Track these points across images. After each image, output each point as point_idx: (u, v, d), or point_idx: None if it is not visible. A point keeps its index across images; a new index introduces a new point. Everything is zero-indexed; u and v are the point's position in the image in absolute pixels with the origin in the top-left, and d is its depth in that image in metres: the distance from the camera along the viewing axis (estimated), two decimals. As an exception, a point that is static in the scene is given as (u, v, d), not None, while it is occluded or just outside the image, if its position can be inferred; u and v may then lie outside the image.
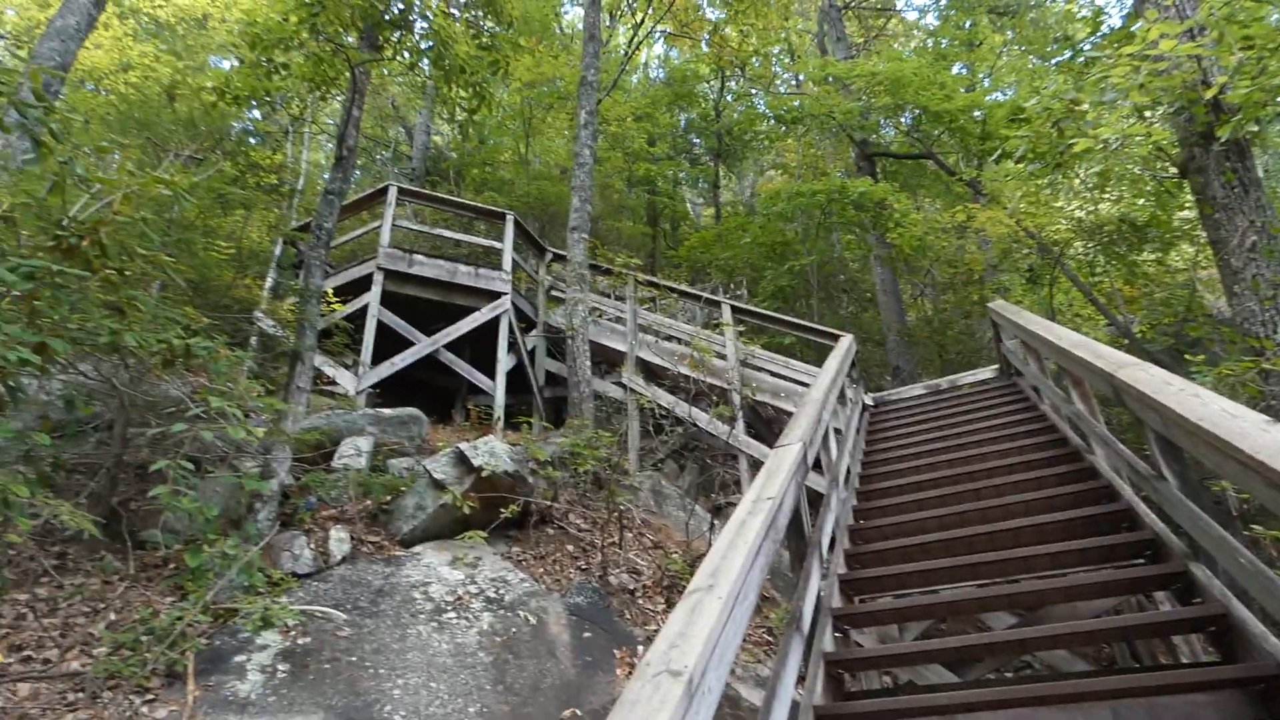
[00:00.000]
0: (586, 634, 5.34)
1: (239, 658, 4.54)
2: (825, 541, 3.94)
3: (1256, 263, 6.70)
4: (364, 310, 9.48)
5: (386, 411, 8.09)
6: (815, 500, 5.25)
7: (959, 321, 15.01)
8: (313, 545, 5.87)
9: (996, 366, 9.47)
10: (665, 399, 9.00)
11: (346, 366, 9.52)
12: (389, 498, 6.72)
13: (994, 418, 6.55)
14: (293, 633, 4.85)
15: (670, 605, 5.94)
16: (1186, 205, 11.28)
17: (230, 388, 4.44)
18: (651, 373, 9.78)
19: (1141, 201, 11.34)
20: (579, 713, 4.41)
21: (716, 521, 8.35)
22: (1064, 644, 3.04)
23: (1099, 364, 3.75)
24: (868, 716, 2.83)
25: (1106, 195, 12.42)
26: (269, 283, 10.15)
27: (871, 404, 9.06)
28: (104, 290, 3.17)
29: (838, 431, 6.12)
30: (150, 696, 4.27)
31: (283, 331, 7.78)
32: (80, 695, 4.21)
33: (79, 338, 2.99)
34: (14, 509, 2.70)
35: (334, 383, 9.22)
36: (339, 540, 5.98)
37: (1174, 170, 9.40)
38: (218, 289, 7.21)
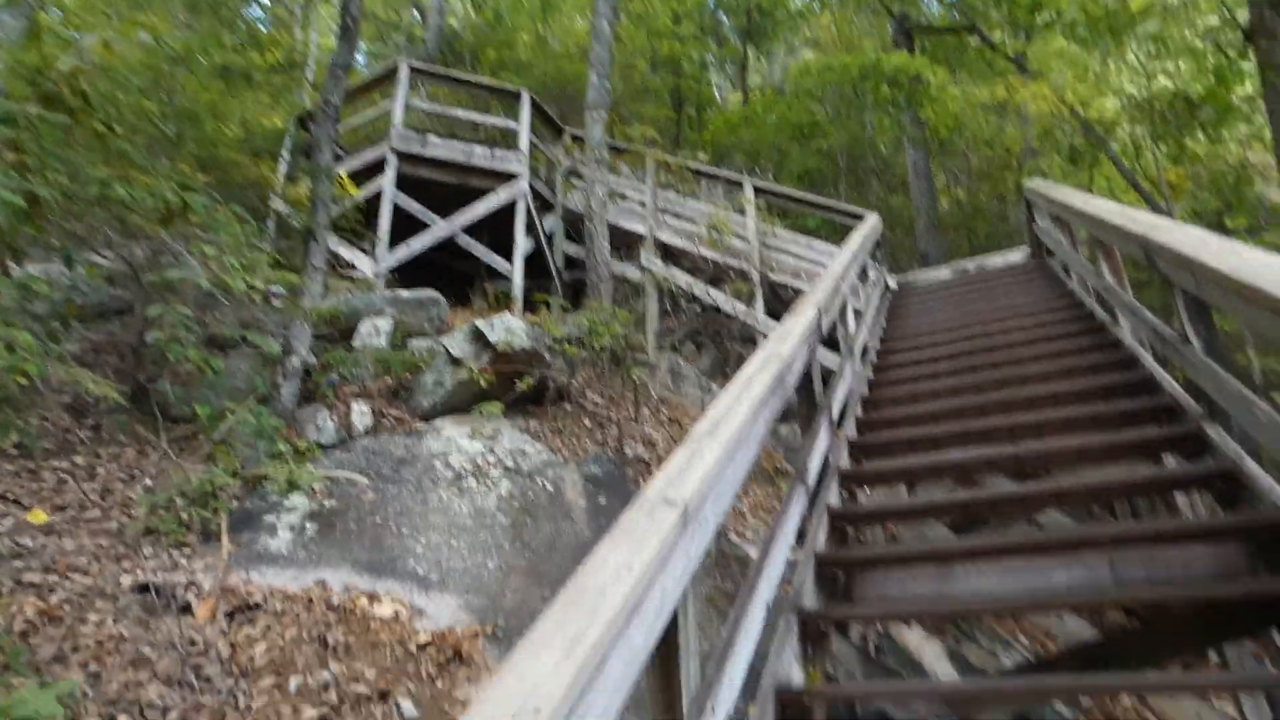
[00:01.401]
0: (602, 500, 5.50)
1: (269, 518, 4.74)
2: (836, 407, 3.93)
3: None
4: (379, 195, 9.35)
5: (404, 293, 8.11)
6: (831, 378, 5.21)
7: (991, 205, 14.50)
8: (335, 418, 6.03)
9: (1027, 249, 9.19)
10: (684, 279, 8.90)
11: (364, 251, 9.49)
12: (408, 375, 6.83)
13: (1019, 295, 6.40)
14: (319, 496, 5.04)
15: (684, 477, 6.07)
16: (1249, 78, 10.47)
17: (241, 260, 4.43)
18: (670, 255, 9.63)
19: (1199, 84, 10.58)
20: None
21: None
22: (1070, 501, 3.04)
23: (1133, 227, 3.59)
24: (868, 560, 2.88)
25: (1162, 68, 11.62)
26: (283, 167, 10.01)
27: (895, 287, 8.89)
28: (100, 150, 3.10)
29: (857, 313, 6.02)
30: (188, 550, 4.50)
31: (298, 215, 7.72)
32: (124, 548, 4.45)
33: (70, 190, 2.95)
34: (16, 356, 2.75)
35: (352, 266, 9.22)
36: (361, 413, 6.13)
37: (1239, 38, 8.71)
38: (224, 165, 7.10)
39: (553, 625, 1.39)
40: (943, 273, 9.47)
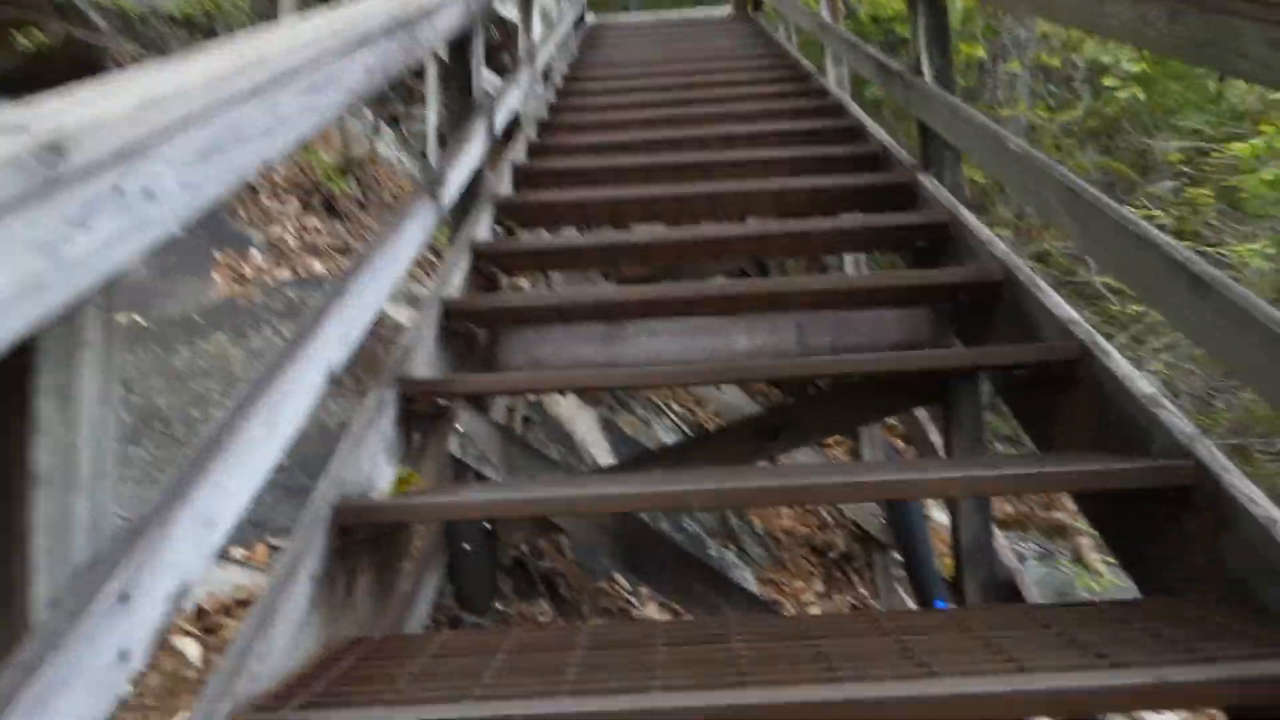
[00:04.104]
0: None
1: None
2: (501, 117, 2.92)
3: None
4: None
5: None
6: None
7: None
8: None
9: (729, 8, 8.62)
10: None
11: None
12: None
13: (724, 40, 5.82)
14: None
15: (307, 208, 4.70)
16: None
17: None
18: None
19: None
20: (140, 319, 3.24)
21: (394, 130, 6.94)
22: (772, 249, 2.53)
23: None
24: (510, 311, 2.09)
25: None
26: None
27: (593, 23, 7.81)
28: None
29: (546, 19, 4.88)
30: None
31: None
32: None
33: None
34: None
35: None
36: None
37: None
38: None
39: None
40: (645, 17, 8.61)
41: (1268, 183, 4.07)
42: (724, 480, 1.22)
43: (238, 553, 2.24)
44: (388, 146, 6.57)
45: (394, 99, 7.42)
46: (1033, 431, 1.76)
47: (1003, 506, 4.46)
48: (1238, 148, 4.41)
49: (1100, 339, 1.57)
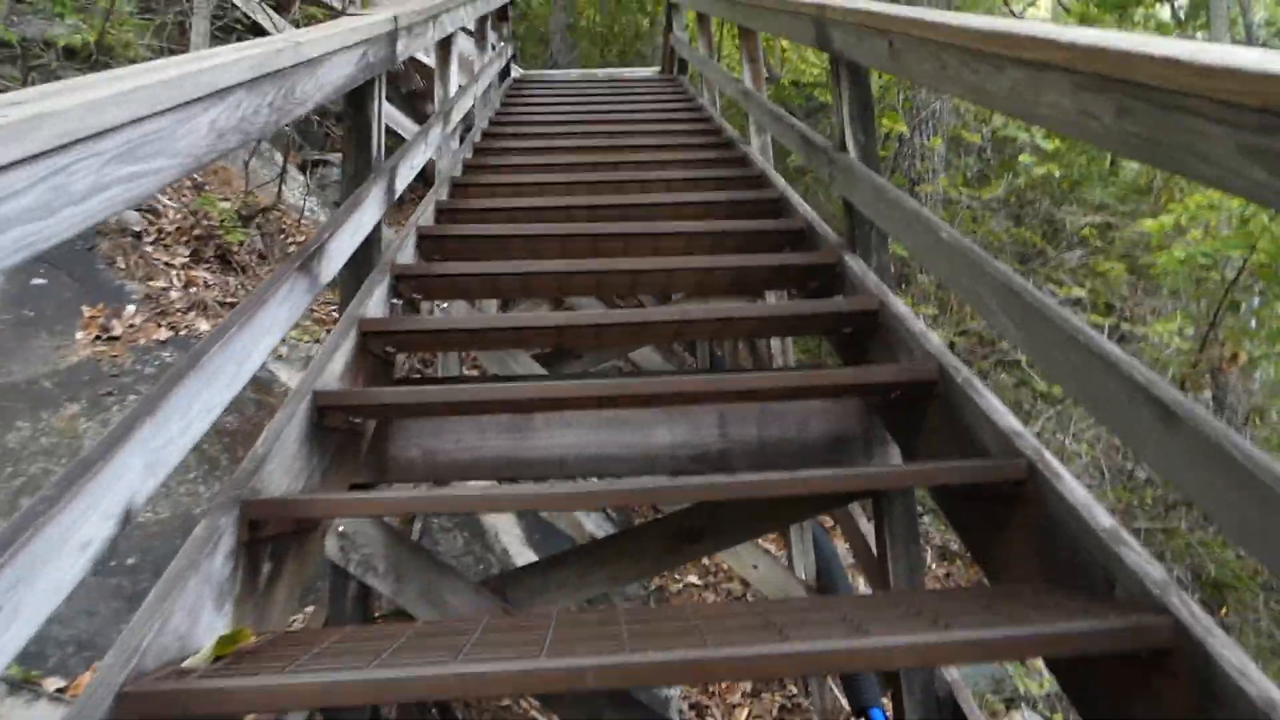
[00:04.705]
0: (40, 280, 3.55)
1: None
2: (403, 176, 2.69)
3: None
4: None
5: None
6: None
7: (628, 29, 13.84)
8: None
9: (659, 69, 8.69)
10: None
11: None
12: None
13: (647, 101, 5.77)
14: None
15: (199, 259, 4.32)
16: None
17: None
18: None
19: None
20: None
21: (302, 176, 6.60)
22: (693, 333, 2.35)
23: (805, 3, 2.84)
24: (400, 408, 1.83)
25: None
26: None
27: (518, 75, 7.72)
28: None
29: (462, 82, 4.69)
30: None
31: None
32: None
33: None
34: None
35: None
36: None
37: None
38: None
39: None
40: (572, 74, 8.61)
41: (1180, 261, 4.22)
42: (628, 653, 0.99)
43: (53, 684, 1.85)
44: (296, 193, 6.22)
45: (306, 145, 7.10)
46: (975, 549, 1.59)
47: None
48: (1147, 224, 4.57)
49: (1049, 455, 1.42)
